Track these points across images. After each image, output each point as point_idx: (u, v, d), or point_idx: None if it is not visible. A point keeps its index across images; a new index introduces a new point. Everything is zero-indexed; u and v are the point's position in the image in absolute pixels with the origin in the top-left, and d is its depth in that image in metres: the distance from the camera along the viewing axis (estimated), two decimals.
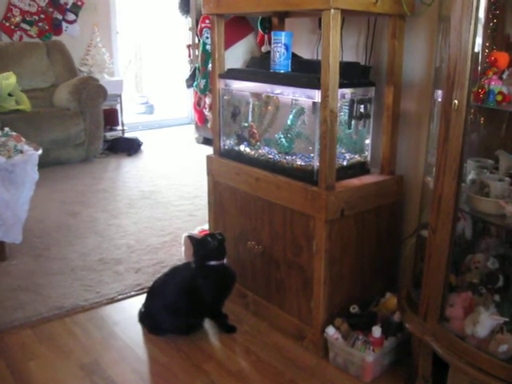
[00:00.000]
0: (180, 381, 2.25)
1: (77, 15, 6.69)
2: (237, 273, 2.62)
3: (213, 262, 2.51)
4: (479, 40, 1.79)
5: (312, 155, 2.37)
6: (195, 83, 5.12)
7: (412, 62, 2.47)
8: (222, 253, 2.54)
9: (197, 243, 2.57)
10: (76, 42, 6.68)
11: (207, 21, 4.14)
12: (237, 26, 3.03)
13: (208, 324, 2.64)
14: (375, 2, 2.16)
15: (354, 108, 2.42)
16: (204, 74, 4.65)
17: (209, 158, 2.88)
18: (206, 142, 6.63)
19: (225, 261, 2.55)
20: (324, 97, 2.15)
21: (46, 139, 5.30)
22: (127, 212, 4.31)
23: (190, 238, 2.63)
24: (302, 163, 2.45)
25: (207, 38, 4.27)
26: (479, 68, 1.86)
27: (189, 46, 6.75)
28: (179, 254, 3.42)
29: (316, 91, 2.22)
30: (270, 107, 2.69)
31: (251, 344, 2.51)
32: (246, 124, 2.75)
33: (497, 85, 1.74)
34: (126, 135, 6.87)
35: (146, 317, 2.61)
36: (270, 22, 3.06)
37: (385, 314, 2.35)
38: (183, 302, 2.52)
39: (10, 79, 5.45)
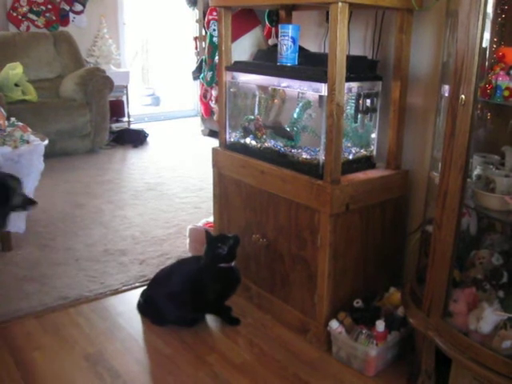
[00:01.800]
0: (183, 372, 2.26)
1: (84, 6, 6.69)
2: (241, 265, 2.62)
3: (222, 265, 2.51)
4: (487, 35, 1.78)
5: (318, 149, 2.37)
6: (202, 75, 5.12)
7: (419, 57, 2.47)
8: (232, 256, 2.52)
9: (211, 241, 2.54)
10: (83, 32, 6.68)
11: (214, 13, 4.14)
12: (244, 19, 3.03)
13: (212, 316, 2.64)
14: None
15: (361, 102, 2.41)
16: (211, 67, 4.65)
17: (214, 150, 2.88)
18: (212, 134, 6.63)
19: (233, 263, 2.54)
20: (331, 90, 2.15)
21: (52, 130, 5.31)
22: (132, 203, 4.32)
23: (207, 233, 2.58)
24: (308, 157, 2.45)
25: (214, 30, 4.26)
26: (487, 63, 1.85)
27: (196, 38, 6.75)
28: (184, 246, 3.42)
29: (323, 85, 2.21)
30: (276, 100, 2.69)
31: (255, 337, 2.52)
32: (252, 117, 2.75)
33: (504, 80, 1.74)
34: (132, 127, 6.88)
35: (148, 307, 2.62)
36: (278, 15, 3.05)
37: (388, 309, 2.35)
38: (187, 294, 2.52)
39: (16, 69, 5.46)
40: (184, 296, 2.53)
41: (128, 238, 3.60)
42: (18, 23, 6.33)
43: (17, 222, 3.24)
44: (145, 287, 2.72)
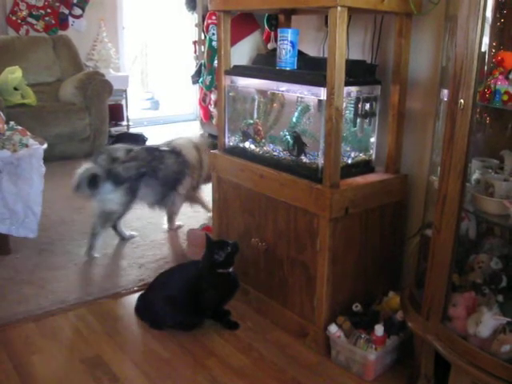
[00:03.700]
0: (182, 376, 2.26)
1: (83, 10, 6.69)
2: (240, 269, 2.62)
3: (220, 270, 2.51)
4: (486, 39, 1.78)
5: (317, 153, 2.37)
6: (201, 79, 5.12)
7: (418, 61, 2.47)
8: (231, 262, 2.52)
9: (210, 246, 2.53)
10: (82, 36, 6.68)
11: (214, 17, 4.13)
12: (243, 23, 3.03)
13: (210, 320, 2.64)
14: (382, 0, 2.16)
15: (360, 106, 2.41)
16: (210, 71, 4.65)
17: (213, 154, 2.88)
18: (211, 138, 6.62)
19: (231, 269, 2.54)
20: (330, 94, 2.15)
21: (51, 133, 5.30)
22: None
23: (207, 237, 2.59)
24: (307, 161, 2.45)
25: (213, 34, 4.26)
26: (485, 68, 1.86)
27: (195, 42, 6.75)
28: (183, 250, 3.42)
29: (322, 89, 2.22)
30: (275, 104, 2.69)
31: (253, 341, 2.51)
32: (251, 121, 2.75)
33: (503, 85, 1.74)
34: (131, 131, 6.88)
35: (147, 311, 2.62)
36: (277, 19, 3.06)
37: (387, 313, 2.35)
38: (185, 298, 2.52)
39: (15, 73, 5.46)
40: (183, 300, 2.52)
41: (127, 242, 3.60)
42: (18, 27, 6.33)
43: (28, 225, 3.25)
44: (143, 291, 2.72)
